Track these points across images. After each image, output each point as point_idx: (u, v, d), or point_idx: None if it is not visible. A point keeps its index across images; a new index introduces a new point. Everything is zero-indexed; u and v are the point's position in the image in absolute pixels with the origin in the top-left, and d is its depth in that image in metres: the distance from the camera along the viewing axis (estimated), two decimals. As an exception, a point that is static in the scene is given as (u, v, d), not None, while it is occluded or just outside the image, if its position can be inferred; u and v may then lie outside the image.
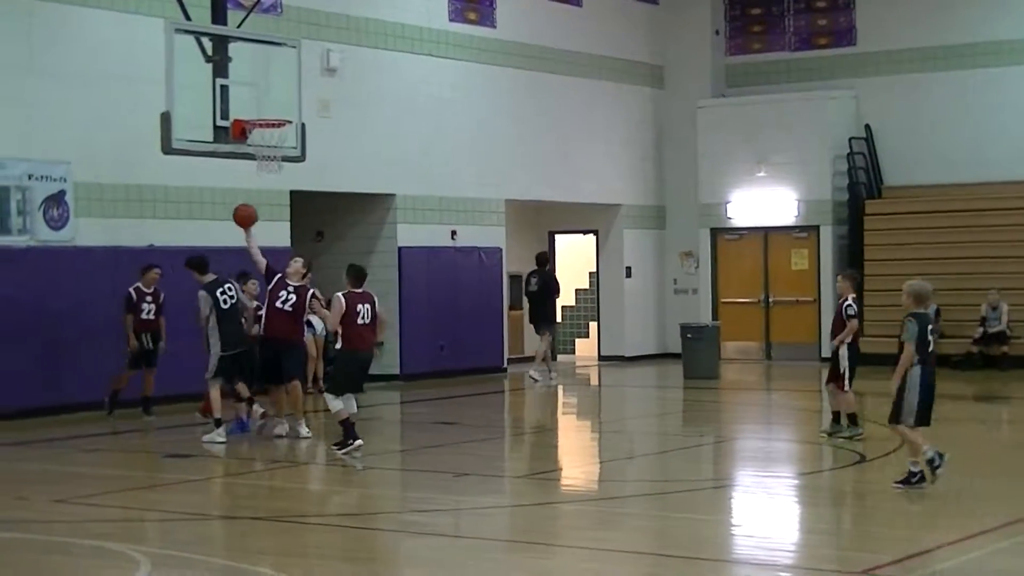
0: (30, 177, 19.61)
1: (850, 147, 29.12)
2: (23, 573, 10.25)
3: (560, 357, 30.90)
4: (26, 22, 19.71)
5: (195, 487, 13.97)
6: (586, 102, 28.94)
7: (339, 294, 15.71)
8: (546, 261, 26.15)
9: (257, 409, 17.62)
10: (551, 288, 25.47)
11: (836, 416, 16.52)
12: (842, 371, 16.27)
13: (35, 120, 19.72)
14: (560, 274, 30.79)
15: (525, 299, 26.48)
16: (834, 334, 16.54)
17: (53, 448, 16.72)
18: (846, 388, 16.27)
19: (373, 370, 24.84)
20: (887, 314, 27.96)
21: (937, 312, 26.94)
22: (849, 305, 16.31)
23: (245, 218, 17.12)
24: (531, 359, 26.76)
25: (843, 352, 16.29)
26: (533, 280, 25.32)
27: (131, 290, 18.79)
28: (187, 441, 17.22)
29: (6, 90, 19.47)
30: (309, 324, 18.10)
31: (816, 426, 17.70)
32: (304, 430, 16.94)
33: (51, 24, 19.96)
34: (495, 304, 26.85)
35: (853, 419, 16.45)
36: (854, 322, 16.32)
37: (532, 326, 25.92)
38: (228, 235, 21.89)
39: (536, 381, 24.42)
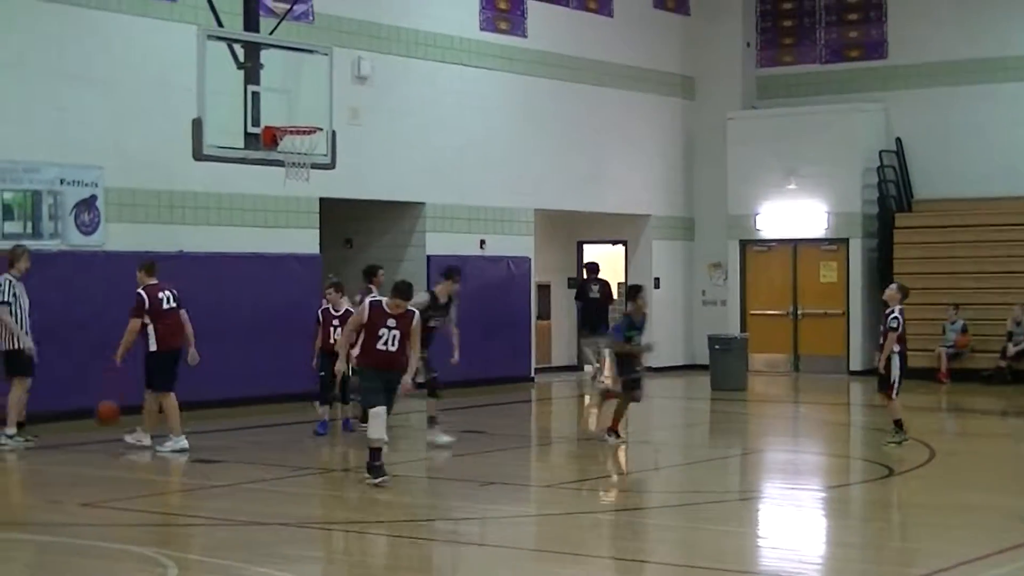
0: (62, 182, 19.70)
1: (880, 160, 29.05)
2: (53, 575, 10.30)
3: (587, 367, 30.90)
4: (60, 28, 19.81)
5: (223, 492, 14.00)
6: (616, 112, 28.93)
7: (367, 301, 14.67)
8: (599, 269, 26.67)
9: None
10: (610, 295, 26.33)
11: (898, 423, 16.96)
12: (892, 380, 16.80)
13: (68, 125, 19.82)
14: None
15: (577, 304, 26.92)
16: (882, 344, 16.95)
17: (83, 452, 16.78)
18: (894, 396, 16.85)
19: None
20: (916, 328, 27.89)
21: (964, 327, 26.95)
22: (895, 317, 16.64)
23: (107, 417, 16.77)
24: (560, 368, 26.92)
25: (894, 362, 16.80)
26: (594, 287, 25.81)
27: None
28: (214, 447, 17.28)
29: (39, 95, 19.58)
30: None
31: (844, 439, 17.69)
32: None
33: (84, 30, 20.06)
34: (523, 314, 26.86)
35: (899, 425, 16.85)
36: (892, 335, 16.55)
37: (584, 332, 26.54)
38: (257, 241, 22.07)
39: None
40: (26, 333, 17.06)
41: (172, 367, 17.10)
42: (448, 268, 18.18)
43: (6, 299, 16.95)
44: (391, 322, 13.96)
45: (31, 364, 17.11)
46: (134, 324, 16.81)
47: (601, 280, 26.30)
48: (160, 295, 16.99)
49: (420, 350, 15.28)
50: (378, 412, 13.84)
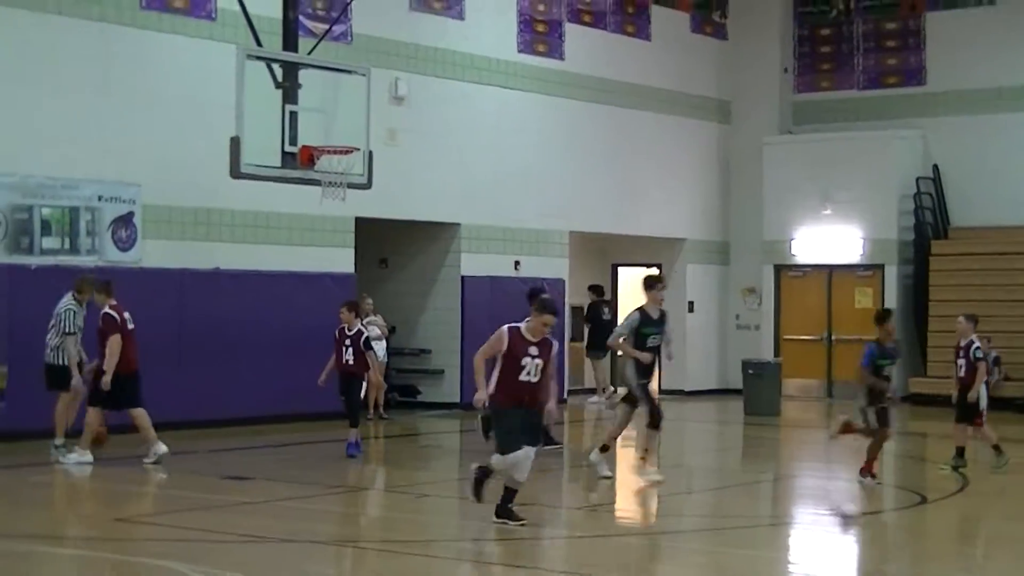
0: (100, 198, 19.82)
1: (917, 187, 28.94)
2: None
3: (620, 389, 30.85)
4: (101, 46, 19.94)
5: (253, 509, 14.02)
6: (652, 135, 28.92)
7: (505, 328, 12.75)
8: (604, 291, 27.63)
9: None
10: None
11: (997, 448, 17.30)
12: (981, 408, 17.31)
13: (107, 142, 19.93)
14: (622, 307, 30.93)
15: (586, 327, 27.53)
16: (961, 377, 17.32)
17: (115, 466, 16.83)
18: (983, 423, 17.37)
19: (433, 397, 25.44)
20: (951, 355, 27.75)
21: (997, 359, 26.77)
22: (977, 347, 17.04)
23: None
24: (592, 390, 27.08)
25: (981, 392, 17.29)
26: (606, 309, 26.47)
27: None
28: (246, 464, 17.32)
29: (80, 112, 19.70)
30: (369, 347, 18.12)
31: (877, 467, 17.55)
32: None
33: (125, 48, 20.19)
34: (556, 335, 26.74)
35: (961, 452, 17.29)
36: (982, 364, 17.36)
37: (598, 354, 27.10)
38: (292, 259, 22.12)
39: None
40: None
41: (137, 384, 16.96)
42: (647, 277, 16.82)
43: (71, 330, 17.02)
44: (533, 350, 12.58)
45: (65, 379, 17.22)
46: (115, 340, 16.63)
47: (607, 301, 26.66)
48: (124, 315, 16.91)
49: (641, 376, 15.40)
50: (528, 454, 12.41)
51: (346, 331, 17.91)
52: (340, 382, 17.99)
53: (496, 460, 12.55)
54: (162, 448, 16.79)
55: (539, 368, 12.56)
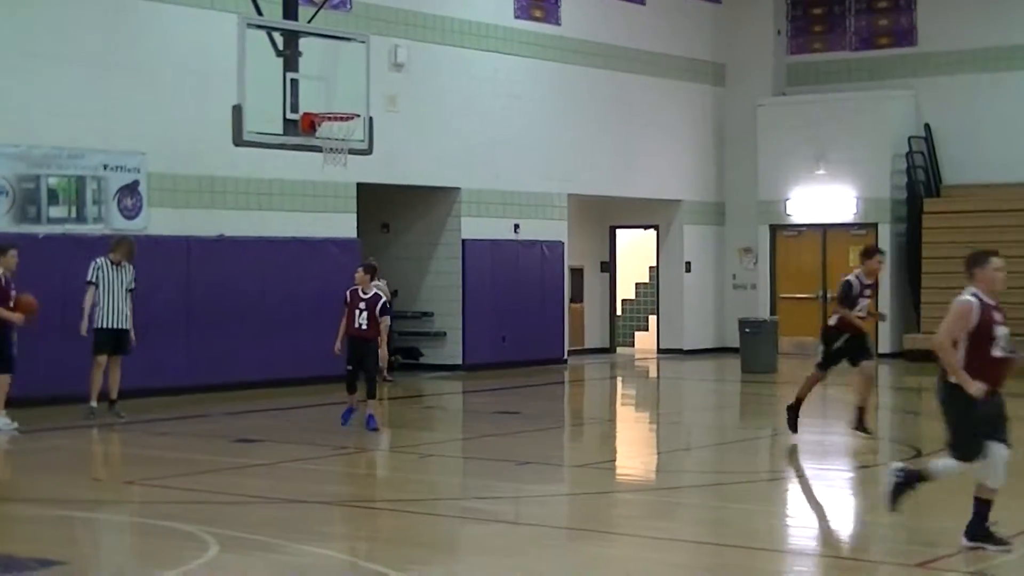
0: (106, 167, 19.80)
1: (909, 146, 28.92)
2: (97, 551, 10.36)
3: (619, 349, 30.94)
4: (103, 18, 19.90)
5: (262, 471, 14.06)
6: (648, 99, 28.88)
7: (967, 298, 9.98)
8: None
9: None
10: None
11: None
12: None
13: (112, 112, 19.91)
14: (621, 268, 31.02)
15: None
16: None
17: (125, 431, 16.88)
18: None
19: (436, 359, 25.48)
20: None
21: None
22: None
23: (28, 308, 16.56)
24: (593, 350, 27.04)
25: None
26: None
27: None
28: (254, 427, 17.36)
29: (84, 83, 19.67)
30: (385, 312, 16.90)
31: (872, 422, 17.56)
32: None
33: (128, 19, 20.14)
34: (556, 297, 26.86)
35: None
36: None
37: None
38: (296, 226, 22.12)
39: None
40: (121, 317, 17.48)
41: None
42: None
43: (91, 279, 17.35)
44: (999, 316, 9.98)
45: (117, 341, 17.55)
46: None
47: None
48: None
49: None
50: (1004, 455, 9.84)
51: (360, 294, 16.71)
52: (351, 348, 16.81)
53: (946, 466, 10.07)
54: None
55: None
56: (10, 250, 16.66)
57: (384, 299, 17.01)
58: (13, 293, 16.49)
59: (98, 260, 17.53)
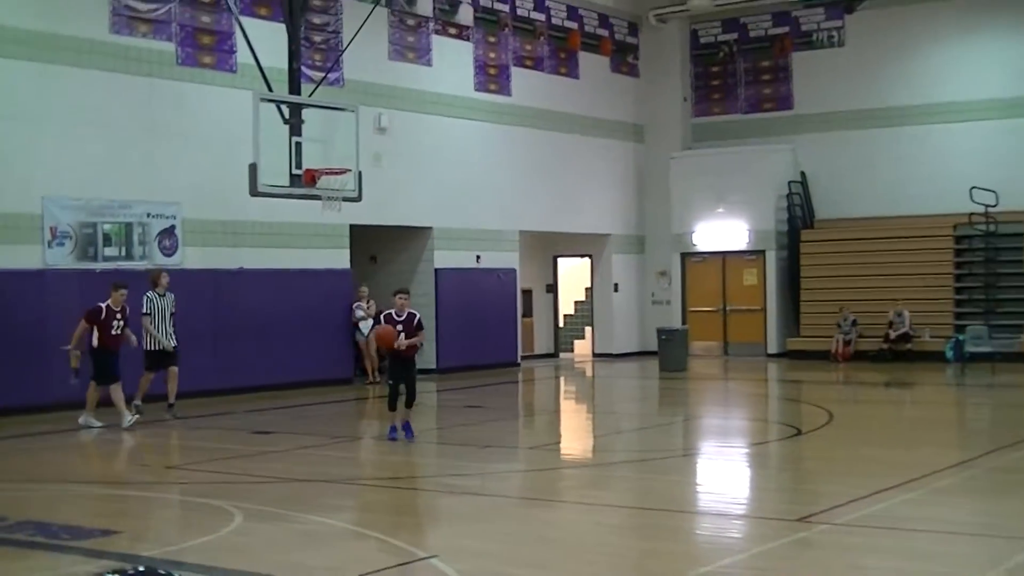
0: (148, 215, 19.74)
1: (789, 189, 29.17)
2: (146, 522, 10.34)
3: (562, 354, 30.99)
4: (148, 95, 19.87)
5: (277, 457, 14.02)
6: (582, 154, 29.00)
7: None
8: None
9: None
10: None
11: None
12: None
13: (153, 170, 19.85)
14: (562, 289, 31.06)
15: None
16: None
17: (166, 426, 16.80)
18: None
19: (427, 365, 25.32)
20: (818, 319, 28.08)
21: (854, 320, 27.02)
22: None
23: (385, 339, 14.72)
24: (540, 356, 26.88)
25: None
26: None
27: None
28: (269, 422, 17.30)
29: (132, 148, 19.61)
30: (421, 327, 14.69)
31: (764, 408, 17.67)
32: None
33: (167, 96, 20.11)
34: (511, 313, 26.90)
35: None
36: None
37: None
38: (300, 259, 22.08)
39: None
40: (168, 336, 17.34)
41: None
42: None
43: (146, 311, 17.21)
44: None
45: (164, 358, 17.34)
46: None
47: None
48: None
49: None
50: None
51: (395, 316, 14.60)
52: (394, 365, 14.98)
53: None
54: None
55: None
56: (121, 288, 16.59)
57: (418, 316, 14.75)
58: (115, 323, 16.39)
59: (149, 294, 17.33)
